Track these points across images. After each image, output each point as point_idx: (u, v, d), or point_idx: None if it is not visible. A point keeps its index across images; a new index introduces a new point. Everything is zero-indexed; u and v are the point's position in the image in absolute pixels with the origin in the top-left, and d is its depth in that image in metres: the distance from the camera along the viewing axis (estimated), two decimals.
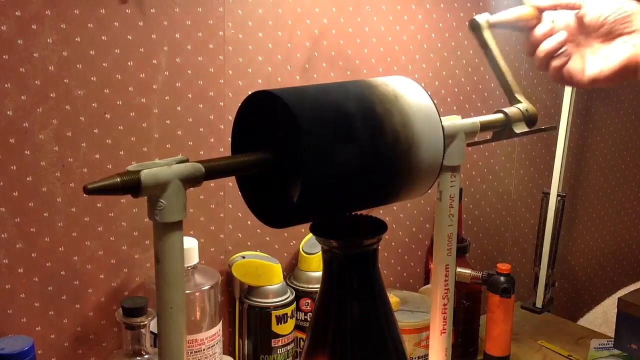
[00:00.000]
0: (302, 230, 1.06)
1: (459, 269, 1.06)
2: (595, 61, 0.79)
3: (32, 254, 0.84)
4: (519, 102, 0.79)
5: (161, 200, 0.53)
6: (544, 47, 0.81)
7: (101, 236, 0.89)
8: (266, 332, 0.97)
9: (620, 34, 0.77)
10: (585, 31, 0.80)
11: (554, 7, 0.81)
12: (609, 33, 0.78)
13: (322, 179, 0.57)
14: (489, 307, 1.09)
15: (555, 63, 0.81)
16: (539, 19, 0.81)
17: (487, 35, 0.81)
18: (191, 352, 0.89)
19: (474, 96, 1.25)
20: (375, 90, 0.63)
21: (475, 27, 0.81)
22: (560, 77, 0.82)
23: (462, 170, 0.75)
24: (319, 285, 0.69)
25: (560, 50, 0.81)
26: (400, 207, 1.19)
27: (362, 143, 0.60)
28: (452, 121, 0.71)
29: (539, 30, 0.81)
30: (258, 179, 0.61)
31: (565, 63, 0.81)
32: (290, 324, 0.99)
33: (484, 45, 0.81)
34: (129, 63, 0.87)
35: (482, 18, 0.80)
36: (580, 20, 0.80)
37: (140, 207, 0.90)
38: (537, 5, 0.81)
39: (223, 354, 0.96)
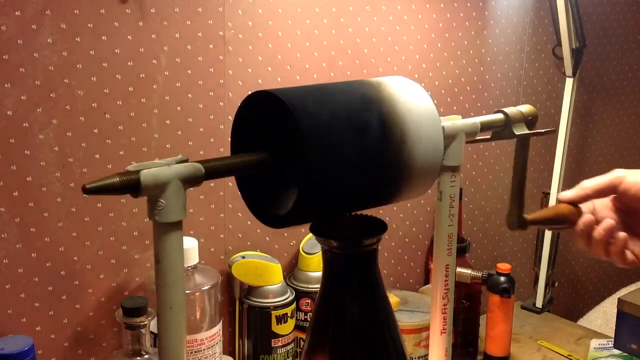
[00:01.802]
0: (302, 230, 1.06)
1: (459, 269, 1.06)
2: None
3: (32, 254, 0.84)
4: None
5: (161, 200, 0.53)
6: (595, 238, 0.74)
7: (101, 236, 0.89)
8: (266, 332, 0.97)
9: None
10: (632, 210, 0.74)
11: (587, 197, 0.75)
12: None
13: (322, 179, 0.57)
14: (489, 307, 1.09)
15: (614, 249, 0.74)
16: (578, 214, 0.75)
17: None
18: (191, 352, 0.89)
19: (474, 96, 1.25)
20: (375, 90, 0.63)
21: (522, 225, 0.79)
22: (629, 262, 0.75)
23: (462, 170, 0.75)
24: (319, 285, 0.69)
25: (613, 239, 0.73)
26: (400, 207, 1.19)
27: (361, 143, 0.60)
28: (452, 121, 0.71)
29: (582, 223, 0.74)
30: (257, 179, 0.61)
31: (623, 247, 0.74)
32: (290, 324, 0.99)
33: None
34: (129, 63, 0.87)
35: (519, 219, 0.80)
36: (621, 200, 0.74)
37: (140, 207, 0.90)
38: (569, 199, 0.76)
39: (223, 354, 0.96)
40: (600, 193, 0.75)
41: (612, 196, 0.75)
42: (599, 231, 0.73)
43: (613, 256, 0.75)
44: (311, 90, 0.64)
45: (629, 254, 0.74)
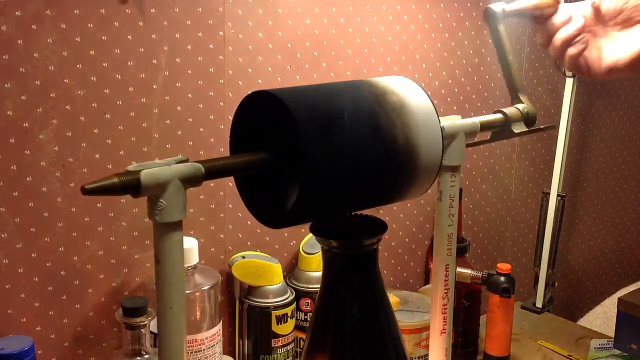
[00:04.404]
0: (302, 230, 1.06)
1: (459, 269, 1.06)
2: (613, 49, 0.77)
3: (32, 254, 0.84)
4: (520, 101, 0.79)
5: (161, 200, 0.53)
6: (561, 35, 0.78)
7: (101, 236, 0.89)
8: (266, 332, 0.97)
9: (639, 21, 0.75)
10: (602, 20, 0.78)
11: None
12: (627, 20, 0.76)
13: (321, 179, 0.57)
14: (489, 307, 1.09)
15: (572, 51, 0.79)
16: (555, 9, 0.79)
17: (502, 27, 0.79)
18: (191, 352, 0.89)
19: (474, 96, 1.25)
20: (374, 91, 0.63)
21: (491, 17, 0.78)
22: (577, 67, 0.80)
23: (462, 170, 0.75)
24: (319, 285, 0.69)
25: (578, 38, 0.78)
26: (400, 207, 1.19)
27: (361, 143, 0.60)
28: (452, 121, 0.71)
29: (556, 19, 0.79)
30: (257, 179, 0.61)
31: (582, 51, 0.78)
32: (290, 324, 0.99)
33: (495, 36, 0.79)
34: (129, 63, 0.87)
35: (498, 7, 0.78)
36: (596, 9, 0.78)
37: (140, 207, 0.90)
38: None
39: (223, 354, 0.96)
40: None
41: (591, 2, 0.79)
42: (567, 30, 0.78)
43: (568, 58, 0.79)
44: (311, 90, 0.64)
45: (581, 61, 0.79)
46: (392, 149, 0.62)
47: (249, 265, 0.97)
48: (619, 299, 1.10)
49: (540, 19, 0.80)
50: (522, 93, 0.79)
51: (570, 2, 0.82)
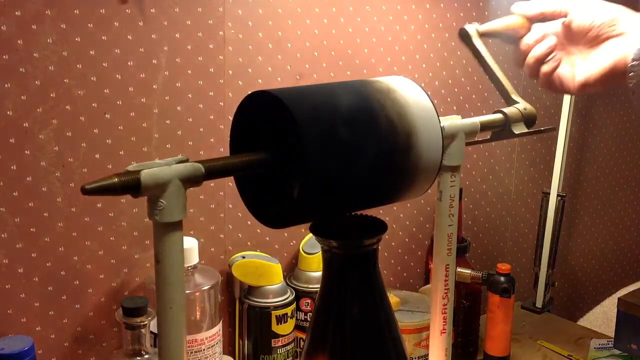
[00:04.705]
0: (302, 230, 1.06)
1: (459, 269, 1.06)
2: (584, 66, 0.80)
3: (32, 254, 0.84)
4: (516, 102, 0.80)
5: (161, 200, 0.53)
6: (534, 53, 0.81)
7: (101, 236, 0.89)
8: (266, 332, 0.97)
9: (608, 38, 0.77)
10: (573, 38, 0.81)
11: (541, 15, 0.82)
12: (597, 37, 0.78)
13: (321, 179, 0.57)
14: (489, 307, 1.09)
15: (545, 68, 0.81)
16: (528, 29, 0.82)
17: (478, 42, 0.82)
18: (191, 352, 0.89)
19: (474, 96, 1.25)
20: (374, 91, 0.63)
21: (465, 36, 0.82)
22: (550, 84, 0.82)
23: (462, 170, 0.75)
24: (319, 285, 0.69)
25: (550, 56, 0.81)
26: (400, 207, 1.19)
27: (361, 144, 0.60)
28: (452, 121, 0.71)
29: (529, 38, 0.82)
30: (257, 179, 0.61)
31: (555, 68, 0.81)
32: (290, 324, 0.99)
33: (475, 52, 0.82)
34: (129, 63, 0.87)
35: (471, 27, 0.82)
36: (567, 27, 0.81)
37: (140, 207, 0.90)
38: (524, 14, 0.82)
39: (223, 354, 0.96)
40: (554, 14, 0.81)
41: (562, 21, 0.81)
42: (540, 48, 0.81)
43: (542, 76, 0.82)
44: (311, 90, 0.64)
45: (555, 78, 0.81)
46: (392, 149, 0.62)
47: (249, 265, 0.97)
48: (619, 299, 1.10)
49: (514, 39, 0.83)
50: (515, 95, 0.80)
51: (542, 22, 0.84)
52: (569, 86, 0.81)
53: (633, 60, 0.74)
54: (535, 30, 0.82)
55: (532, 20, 0.82)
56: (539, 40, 0.82)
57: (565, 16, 0.80)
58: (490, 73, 0.82)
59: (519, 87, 1.32)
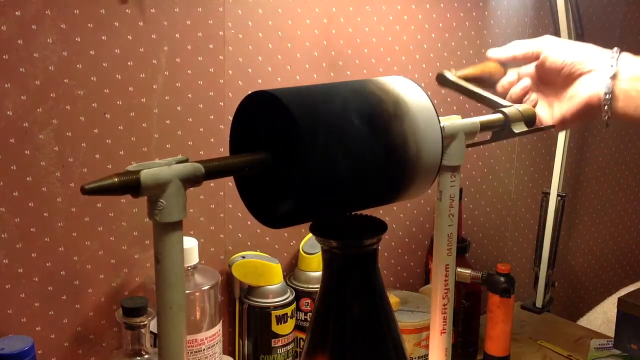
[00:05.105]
0: (302, 230, 1.06)
1: (459, 269, 1.06)
2: (560, 104, 0.83)
3: (32, 254, 0.84)
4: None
5: (161, 200, 0.53)
6: (510, 95, 0.85)
7: (101, 236, 0.89)
8: (266, 332, 0.97)
9: (580, 75, 0.80)
10: (547, 78, 0.84)
11: (514, 58, 0.85)
12: (569, 75, 0.81)
13: (321, 179, 0.57)
14: (489, 307, 1.09)
15: None
16: (503, 73, 0.86)
17: (456, 79, 0.85)
18: (191, 352, 0.89)
19: None
20: (374, 91, 0.63)
21: (443, 80, 0.86)
22: None
23: (462, 170, 0.75)
24: (319, 285, 0.69)
25: (526, 97, 0.85)
26: (400, 207, 1.19)
27: (360, 144, 0.60)
28: (452, 121, 0.71)
29: (504, 80, 0.86)
30: (257, 179, 0.61)
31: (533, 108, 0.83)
32: (290, 324, 0.99)
33: (457, 88, 0.85)
34: (129, 63, 0.87)
35: (448, 73, 0.86)
36: (541, 67, 0.84)
37: (140, 207, 0.90)
38: (498, 57, 0.86)
39: (223, 354, 0.96)
40: (526, 57, 0.85)
41: (535, 63, 0.85)
42: (515, 89, 0.85)
43: None
44: (311, 90, 0.64)
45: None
46: (392, 149, 0.62)
47: (249, 265, 0.97)
48: (619, 299, 1.10)
49: (490, 83, 0.87)
50: (506, 106, 0.81)
51: (516, 66, 0.88)
52: (547, 124, 0.84)
53: (606, 94, 0.77)
54: (510, 73, 0.86)
55: (506, 64, 0.86)
56: (514, 83, 0.85)
57: (538, 58, 0.83)
58: (478, 96, 0.84)
59: None
